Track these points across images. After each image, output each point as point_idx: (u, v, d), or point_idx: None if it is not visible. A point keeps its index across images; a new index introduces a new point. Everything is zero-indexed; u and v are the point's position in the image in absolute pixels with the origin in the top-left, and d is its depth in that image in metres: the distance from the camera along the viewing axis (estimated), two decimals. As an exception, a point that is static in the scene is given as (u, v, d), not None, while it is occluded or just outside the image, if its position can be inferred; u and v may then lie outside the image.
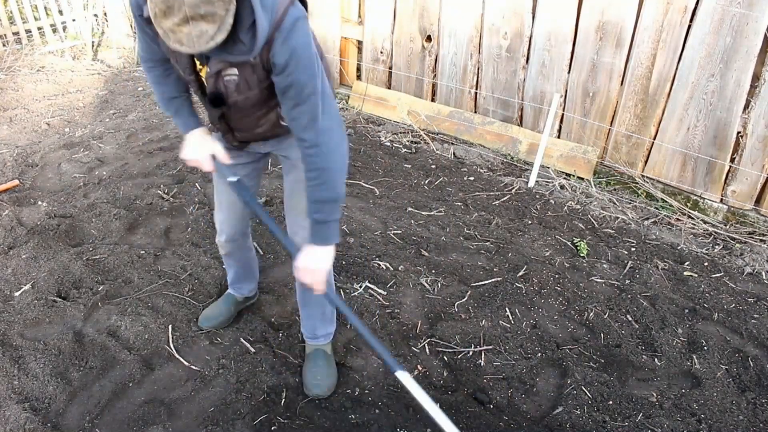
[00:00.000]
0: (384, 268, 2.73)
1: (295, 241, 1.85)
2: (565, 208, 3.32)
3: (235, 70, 1.49)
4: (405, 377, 1.63)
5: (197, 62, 1.54)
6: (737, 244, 3.01)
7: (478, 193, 3.44)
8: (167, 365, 2.16)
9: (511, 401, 2.09)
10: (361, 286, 2.60)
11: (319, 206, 1.61)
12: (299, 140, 1.57)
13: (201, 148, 1.76)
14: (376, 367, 2.19)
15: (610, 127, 3.51)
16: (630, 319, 2.50)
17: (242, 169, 1.89)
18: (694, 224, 3.19)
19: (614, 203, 3.38)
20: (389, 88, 4.42)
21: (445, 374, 2.18)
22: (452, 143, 4.02)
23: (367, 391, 2.10)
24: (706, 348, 2.34)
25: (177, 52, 1.49)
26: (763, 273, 2.82)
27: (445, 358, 2.26)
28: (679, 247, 3.00)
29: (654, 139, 3.37)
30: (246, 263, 2.28)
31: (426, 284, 2.65)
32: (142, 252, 2.76)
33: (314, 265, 1.66)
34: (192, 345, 2.26)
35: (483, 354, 2.28)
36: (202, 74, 1.55)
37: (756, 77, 2.94)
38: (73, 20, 5.86)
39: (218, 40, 1.27)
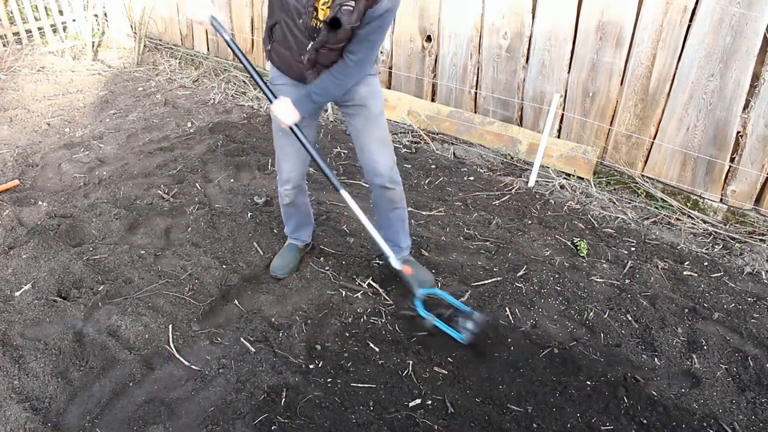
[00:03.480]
0: (384, 267, 2.73)
1: (378, 169, 2.34)
2: (565, 207, 3.32)
3: (352, 2, 1.86)
4: (346, 195, 2.28)
5: None
6: (737, 244, 3.01)
7: (478, 193, 3.45)
8: (167, 365, 2.17)
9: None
10: (365, 284, 2.60)
11: (321, 88, 2.10)
12: (348, 53, 2.01)
13: (203, 9, 2.10)
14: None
15: (610, 126, 3.51)
16: (630, 318, 2.50)
17: (307, 112, 2.20)
18: (694, 224, 3.20)
19: (614, 203, 3.38)
20: (389, 88, 4.42)
21: (446, 373, 2.19)
22: (452, 143, 4.02)
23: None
24: (705, 347, 2.34)
25: None
26: (763, 273, 2.82)
27: (449, 359, 2.26)
28: (678, 247, 3.00)
29: (654, 138, 3.37)
30: (305, 209, 2.67)
31: (426, 284, 2.65)
32: (142, 252, 2.77)
33: (284, 111, 2.14)
34: (192, 345, 2.26)
35: (483, 354, 2.28)
36: (320, 6, 1.91)
37: (756, 77, 2.94)
38: (74, 20, 5.86)
39: None
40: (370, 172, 2.38)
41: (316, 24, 1.95)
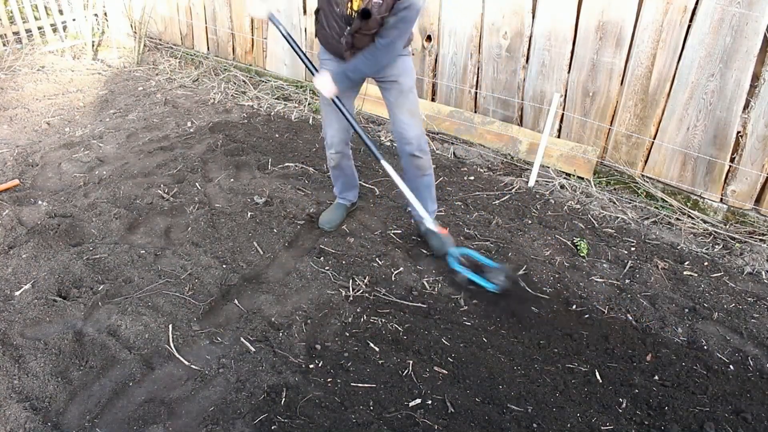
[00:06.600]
0: (384, 267, 2.73)
1: (407, 137, 2.61)
2: (565, 207, 3.32)
3: None
4: (386, 166, 2.59)
5: None
6: (737, 244, 3.01)
7: (478, 193, 3.45)
8: (167, 365, 2.17)
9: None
10: (365, 284, 2.60)
11: (354, 67, 2.43)
12: (378, 37, 2.30)
13: (262, 6, 2.50)
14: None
15: (610, 126, 3.51)
16: (630, 318, 2.50)
17: (345, 86, 2.51)
18: (694, 224, 3.20)
19: (614, 203, 3.38)
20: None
21: (446, 373, 2.19)
22: (452, 143, 4.02)
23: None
24: (706, 347, 2.34)
25: None
26: (763, 273, 2.82)
27: (449, 359, 2.26)
28: (679, 247, 3.00)
29: (654, 138, 3.37)
30: (350, 172, 2.96)
31: (426, 284, 2.65)
32: (142, 251, 2.77)
33: (323, 84, 2.48)
34: (192, 344, 2.26)
35: (483, 353, 2.28)
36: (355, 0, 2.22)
37: (756, 77, 2.94)
38: (74, 20, 5.86)
39: None
40: (401, 140, 2.65)
41: (351, 13, 2.27)
